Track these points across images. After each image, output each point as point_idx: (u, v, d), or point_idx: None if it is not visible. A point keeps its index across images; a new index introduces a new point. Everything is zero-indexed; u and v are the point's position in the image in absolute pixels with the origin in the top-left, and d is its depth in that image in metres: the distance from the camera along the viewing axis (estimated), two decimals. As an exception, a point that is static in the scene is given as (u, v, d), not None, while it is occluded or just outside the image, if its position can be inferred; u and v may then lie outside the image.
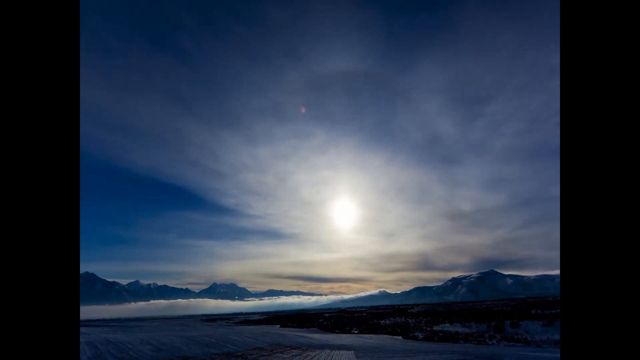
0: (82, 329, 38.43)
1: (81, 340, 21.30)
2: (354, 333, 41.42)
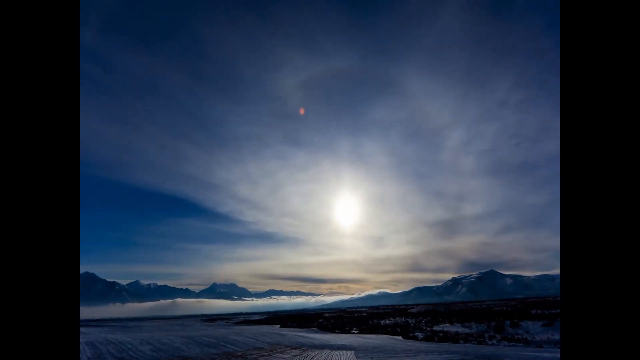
0: (82, 329, 38.42)
1: (81, 340, 21.30)
2: (354, 333, 41.42)
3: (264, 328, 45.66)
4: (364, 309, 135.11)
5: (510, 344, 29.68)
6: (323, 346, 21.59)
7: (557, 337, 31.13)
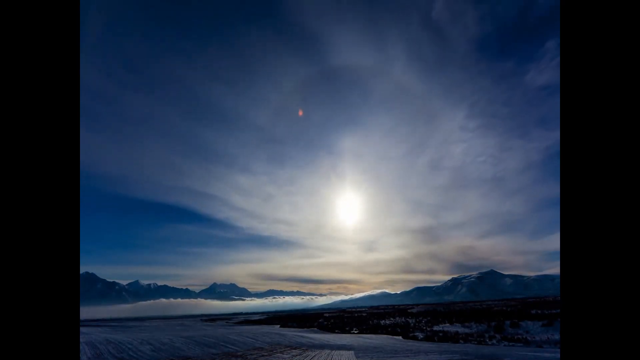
0: (82, 329, 38.43)
1: (81, 340, 21.30)
2: (354, 333, 41.43)
3: (264, 328, 45.66)
4: (364, 309, 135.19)
5: (510, 344, 29.69)
6: (323, 346, 21.60)
7: (557, 337, 31.15)
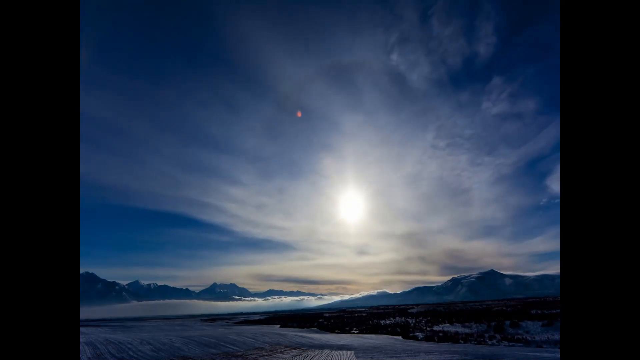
0: (82, 329, 38.44)
1: (81, 340, 21.30)
2: (354, 333, 41.44)
3: (264, 328, 45.66)
4: (364, 309, 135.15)
5: (510, 344, 29.69)
6: (323, 346, 21.60)
7: (557, 337, 31.14)
